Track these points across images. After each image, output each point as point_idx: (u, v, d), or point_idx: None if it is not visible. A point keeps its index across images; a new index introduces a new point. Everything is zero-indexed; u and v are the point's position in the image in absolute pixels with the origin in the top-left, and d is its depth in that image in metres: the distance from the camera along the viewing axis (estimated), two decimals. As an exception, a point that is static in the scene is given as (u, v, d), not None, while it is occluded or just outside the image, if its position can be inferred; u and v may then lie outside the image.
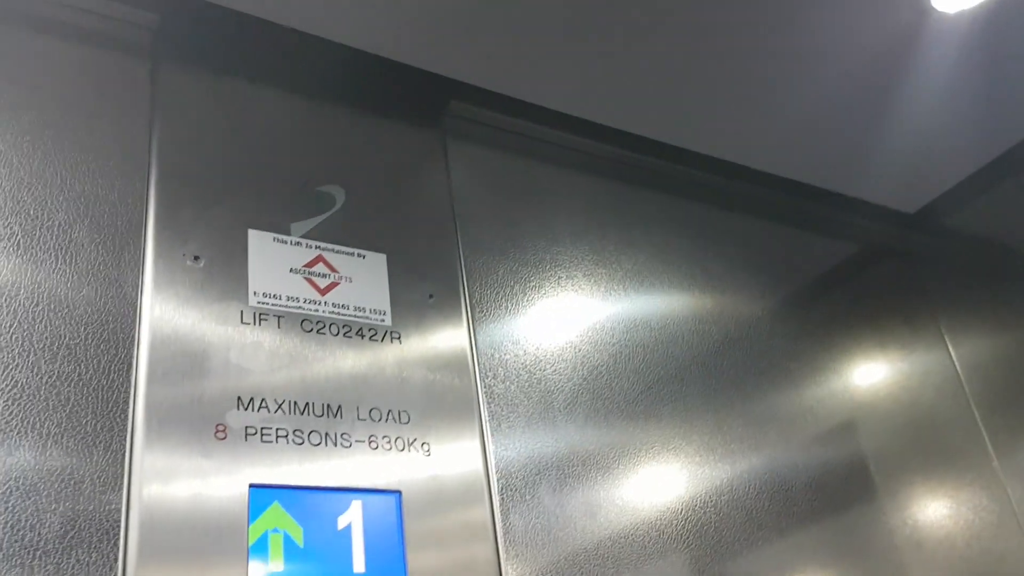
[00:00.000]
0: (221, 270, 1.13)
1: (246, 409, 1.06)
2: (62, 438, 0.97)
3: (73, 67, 1.21)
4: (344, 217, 1.28)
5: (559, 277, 1.48)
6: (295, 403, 1.09)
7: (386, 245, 1.29)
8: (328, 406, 1.12)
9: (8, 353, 0.98)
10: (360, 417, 1.13)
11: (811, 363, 1.70)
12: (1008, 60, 1.59)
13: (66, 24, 1.23)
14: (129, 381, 1.03)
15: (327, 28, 1.35)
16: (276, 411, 1.07)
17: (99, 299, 1.06)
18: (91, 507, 0.95)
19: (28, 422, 0.96)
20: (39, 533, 0.91)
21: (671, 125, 1.66)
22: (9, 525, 0.90)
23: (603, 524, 1.28)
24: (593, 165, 1.65)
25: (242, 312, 1.12)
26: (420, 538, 1.09)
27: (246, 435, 1.04)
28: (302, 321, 1.16)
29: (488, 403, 1.27)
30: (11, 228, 1.05)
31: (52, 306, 1.03)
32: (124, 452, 0.99)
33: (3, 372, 0.97)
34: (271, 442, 1.05)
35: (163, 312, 1.07)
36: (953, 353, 1.90)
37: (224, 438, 1.03)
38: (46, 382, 0.99)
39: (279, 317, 1.14)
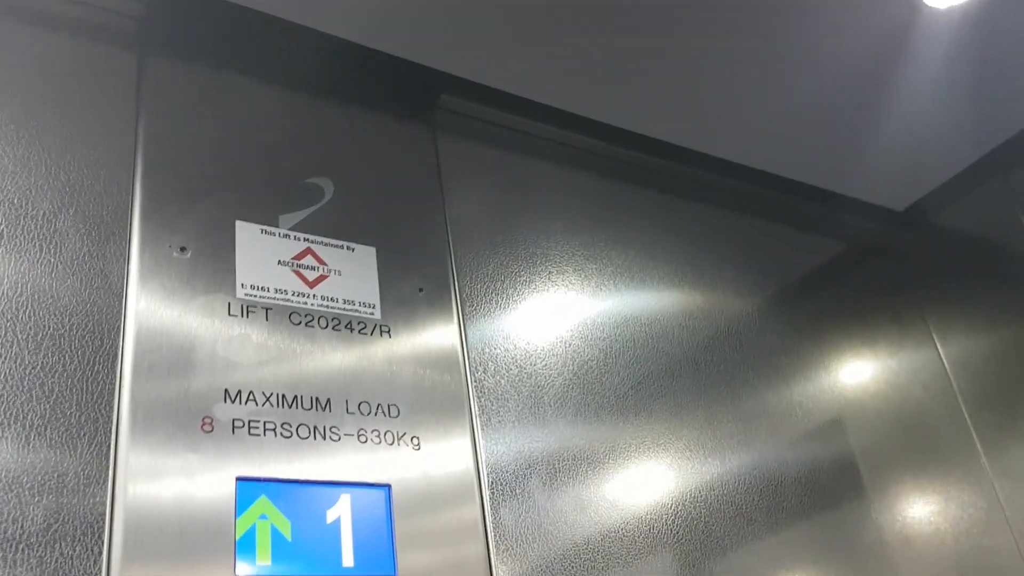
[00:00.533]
0: (208, 262, 1.12)
1: (233, 402, 1.04)
2: (45, 430, 0.95)
3: (59, 56, 1.19)
4: (333, 210, 1.27)
5: (550, 272, 1.47)
6: (283, 396, 1.08)
7: (375, 238, 1.28)
8: (317, 399, 1.10)
9: (-9, 344, 0.97)
10: (349, 411, 1.12)
11: (800, 359, 1.69)
12: (998, 57, 1.59)
13: (52, 13, 1.21)
14: (114, 373, 1.01)
15: (317, 19, 1.34)
16: (264, 404, 1.06)
17: (84, 290, 1.05)
18: (75, 500, 0.93)
19: (11, 414, 0.94)
20: (22, 526, 0.89)
21: (662, 121, 1.65)
22: (-9, 518, 0.89)
23: (593, 519, 1.27)
24: (584, 160, 1.65)
25: (229, 304, 1.10)
26: (410, 532, 1.08)
27: (233, 428, 1.03)
28: (290, 314, 1.15)
29: (478, 397, 1.26)
30: (-6, 217, 1.04)
31: (36, 296, 1.01)
32: (109, 445, 0.98)
33: (-15, 363, 0.96)
34: (259, 435, 1.04)
35: (149, 304, 1.06)
36: (941, 350, 1.91)
37: (211, 431, 1.01)
38: (29, 373, 0.97)
39: (267, 309, 1.13)
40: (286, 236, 1.20)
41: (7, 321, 0.98)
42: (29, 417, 0.95)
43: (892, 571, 1.55)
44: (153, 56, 1.24)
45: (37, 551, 0.89)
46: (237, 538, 0.97)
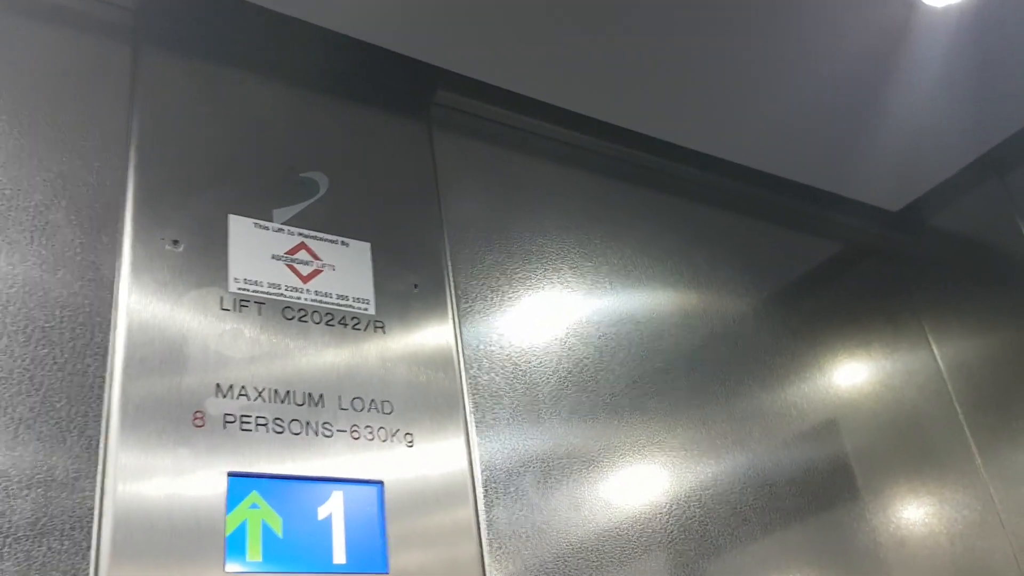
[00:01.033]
0: (201, 255, 1.11)
1: (225, 397, 1.03)
2: (35, 423, 0.94)
3: (54, 47, 1.18)
4: (328, 204, 1.26)
5: (545, 269, 1.47)
6: (275, 391, 1.07)
7: (370, 234, 1.27)
8: (309, 395, 1.09)
9: (-20, 336, 0.96)
10: (342, 407, 1.11)
11: (795, 360, 1.69)
12: (995, 57, 1.59)
13: (48, 4, 1.20)
14: (105, 366, 1.00)
15: (313, 13, 1.33)
16: (256, 399, 1.05)
17: (75, 282, 1.04)
18: (64, 494, 0.92)
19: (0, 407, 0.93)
20: (10, 520, 0.88)
21: (659, 120, 1.65)
22: (-22, 511, 0.87)
23: (587, 518, 1.27)
24: (581, 158, 1.64)
25: (222, 298, 1.09)
26: (402, 530, 1.07)
27: (225, 423, 1.02)
28: (283, 308, 1.14)
29: (472, 394, 1.26)
30: (-15, 208, 1.03)
31: (27, 288, 1.00)
32: (99, 439, 0.97)
33: (-26, 355, 0.94)
34: (250, 430, 1.03)
35: (141, 297, 1.05)
36: (936, 351, 1.91)
37: (202, 426, 1.00)
38: (19, 366, 0.96)
39: (260, 304, 1.12)
40: (280, 230, 1.19)
41: (-3, 313, 0.97)
42: (18, 410, 0.94)
43: (886, 573, 1.55)
44: (148, 49, 1.23)
45: (24, 545, 0.88)
46: (227, 534, 0.96)
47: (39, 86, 1.14)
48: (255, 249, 1.15)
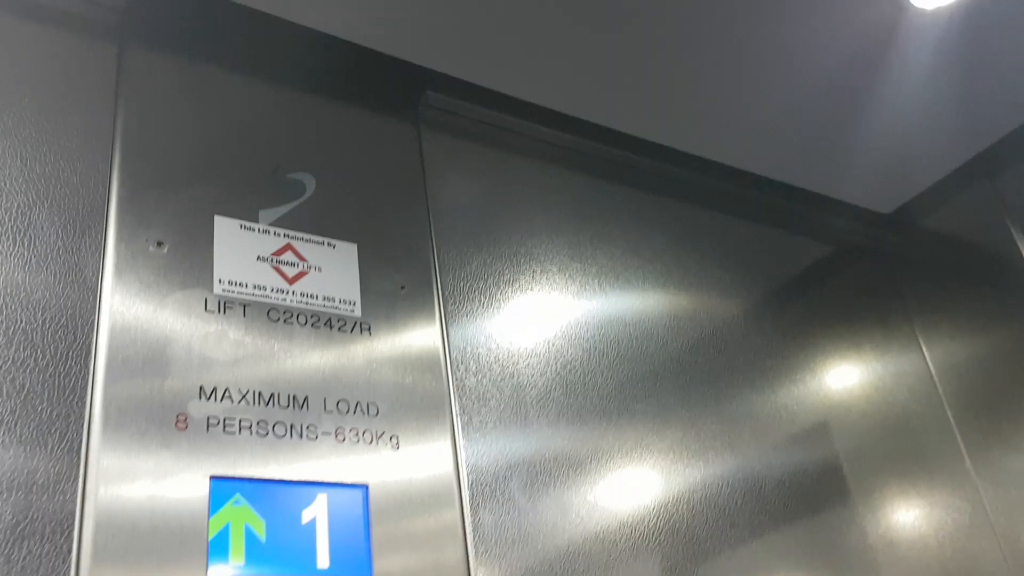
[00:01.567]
0: (185, 257, 1.10)
1: (208, 399, 1.03)
2: (16, 425, 0.93)
3: (38, 47, 1.18)
4: (315, 206, 1.25)
5: (534, 271, 1.46)
6: (260, 394, 1.07)
7: (357, 235, 1.27)
8: (294, 397, 1.09)
9: (-40, 338, 0.95)
10: (327, 409, 1.10)
11: (786, 362, 1.69)
12: (985, 59, 1.59)
13: (33, 2, 1.19)
14: (88, 368, 1.00)
15: (301, 13, 1.33)
16: (240, 402, 1.05)
17: (58, 284, 1.03)
18: (45, 497, 0.92)
19: (-20, 409, 0.92)
20: (-11, 524, 0.88)
21: (649, 121, 1.65)
22: (-43, 515, 0.87)
23: (575, 522, 1.26)
24: (570, 159, 1.63)
25: (206, 300, 1.09)
26: (387, 532, 1.06)
27: (208, 426, 1.01)
28: (268, 310, 1.13)
29: (459, 396, 1.25)
30: (-34, 209, 1.02)
31: (9, 290, 1.00)
32: (81, 441, 0.96)
33: (-46, 357, 0.94)
34: (234, 433, 1.02)
35: (124, 298, 1.04)
36: (927, 354, 1.91)
37: (185, 428, 1.00)
38: (0, 368, 0.95)
39: (244, 305, 1.11)
40: (266, 232, 1.18)
41: (-23, 315, 0.97)
42: (-1, 413, 0.93)
43: (876, 575, 1.55)
44: (134, 48, 1.22)
45: (5, 549, 0.87)
46: (210, 538, 0.95)
47: (23, 85, 1.13)
48: (240, 250, 1.15)
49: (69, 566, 0.90)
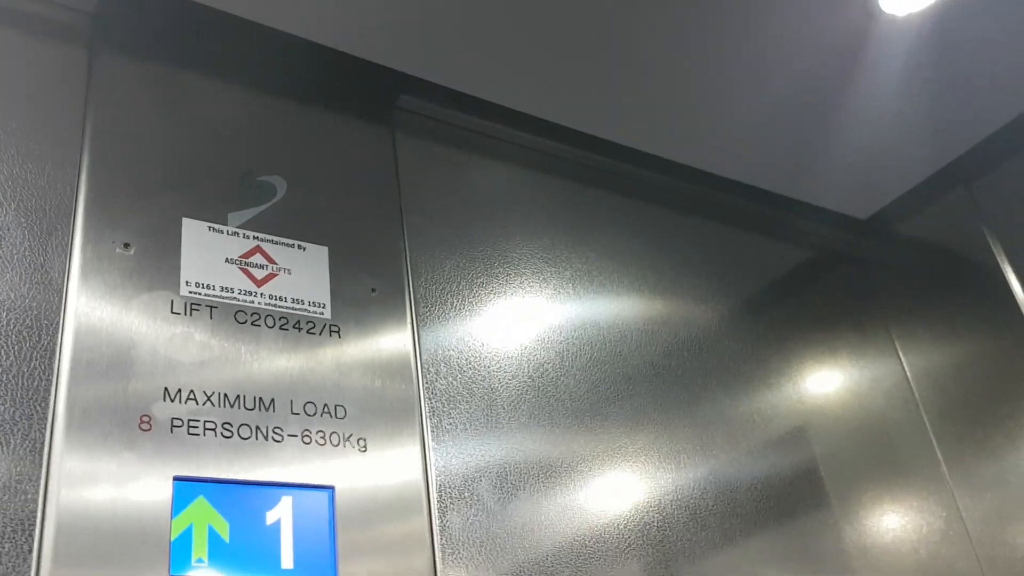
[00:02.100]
0: (152, 259, 1.10)
1: (173, 401, 1.03)
2: (-24, 426, 0.93)
3: (8, 49, 1.18)
4: (285, 208, 1.25)
5: (507, 275, 1.47)
6: (225, 395, 1.07)
7: (328, 238, 1.27)
8: (260, 399, 1.09)
9: (-78, 338, 0.95)
10: (294, 411, 1.11)
11: (760, 366, 1.69)
12: (958, 64, 1.60)
13: (2, 5, 1.20)
14: (52, 369, 1.00)
15: (274, 17, 1.33)
16: (204, 403, 1.05)
17: (23, 284, 1.03)
18: (6, 497, 0.91)
19: (-59, 410, 0.92)
20: (-54, 524, 0.87)
21: (624, 126, 1.65)
22: (-86, 515, 0.87)
23: (545, 524, 1.26)
24: (544, 164, 1.64)
25: (172, 302, 1.09)
26: (353, 536, 1.06)
27: (172, 427, 1.01)
28: (236, 312, 1.13)
29: (429, 399, 1.25)
30: (-69, 210, 1.02)
31: (-28, 291, 1.00)
32: (43, 442, 0.96)
33: (-84, 357, 0.94)
34: (198, 435, 1.03)
35: (89, 300, 1.04)
36: (903, 359, 1.91)
37: (148, 430, 1.00)
38: (-39, 369, 0.95)
39: (211, 308, 1.11)
40: (234, 234, 1.19)
41: (-60, 315, 0.97)
42: (-40, 413, 0.93)
43: (849, 579, 1.55)
44: (104, 52, 1.22)
45: (-37, 549, 0.87)
46: (172, 539, 0.96)
47: (-9, 88, 1.14)
48: (208, 252, 1.15)
49: (30, 566, 0.90)
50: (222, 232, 1.18)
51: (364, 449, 1.13)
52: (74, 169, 1.13)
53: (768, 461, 1.58)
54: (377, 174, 1.40)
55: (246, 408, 1.07)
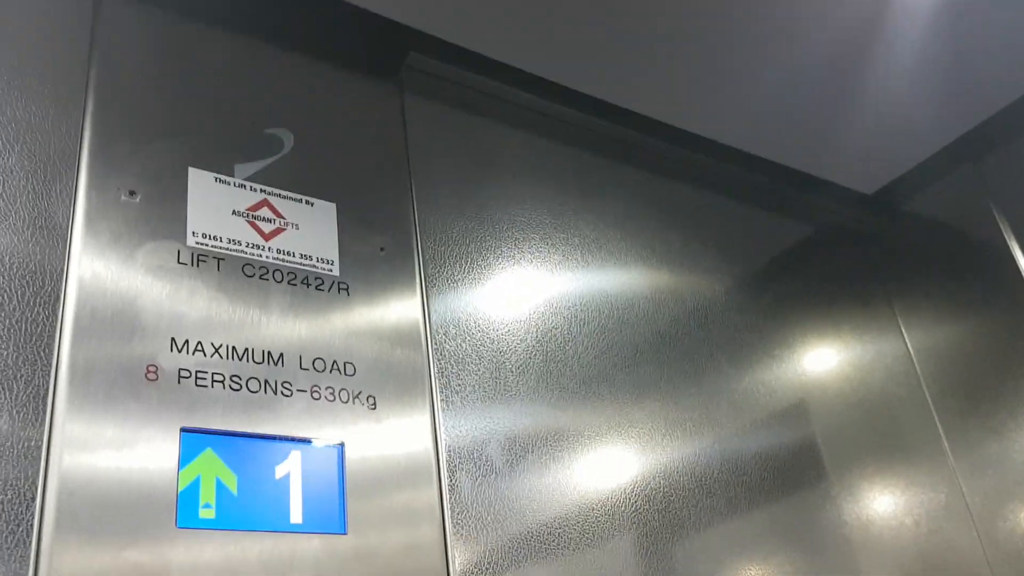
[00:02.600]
0: (158, 207, 1.08)
1: (180, 352, 1.00)
2: (-21, 371, 0.90)
3: (9, -8, 1.14)
4: (292, 162, 1.23)
5: (516, 238, 1.44)
6: (233, 348, 1.04)
7: (336, 194, 1.24)
8: (269, 353, 1.07)
9: (-77, 280, 0.92)
10: (303, 367, 1.08)
11: (765, 339, 1.68)
12: (970, 41, 1.58)
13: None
14: (55, 317, 0.97)
15: (282, -32, 1.30)
16: (212, 355, 1.02)
17: (27, 229, 1.00)
18: (9, 444, 0.89)
19: (-58, 353, 0.90)
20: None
21: (637, 94, 1.63)
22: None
23: (552, 485, 1.25)
24: (556, 129, 1.61)
25: (179, 252, 1.06)
26: (361, 490, 1.04)
27: (179, 378, 0.99)
28: (244, 265, 1.11)
29: (437, 360, 1.23)
30: (-68, 150, 0.99)
31: (-26, 234, 0.97)
32: (47, 390, 0.93)
33: (-84, 299, 0.91)
34: (206, 387, 1.00)
35: (94, 247, 1.01)
36: (906, 336, 1.91)
37: (155, 380, 0.97)
38: (-37, 312, 0.92)
39: (219, 260, 1.09)
40: (241, 186, 1.16)
41: (-59, 257, 0.94)
42: (-38, 358, 0.90)
43: (851, 553, 1.54)
44: (110, -3, 1.19)
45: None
46: (180, 490, 0.93)
47: (-6, 29, 1.10)
48: (215, 204, 1.12)
49: (33, 514, 0.87)
50: (229, 183, 1.15)
51: (374, 407, 1.11)
52: (78, 113, 1.09)
53: (772, 433, 1.57)
54: (384, 131, 1.37)
55: (255, 362, 1.05)
